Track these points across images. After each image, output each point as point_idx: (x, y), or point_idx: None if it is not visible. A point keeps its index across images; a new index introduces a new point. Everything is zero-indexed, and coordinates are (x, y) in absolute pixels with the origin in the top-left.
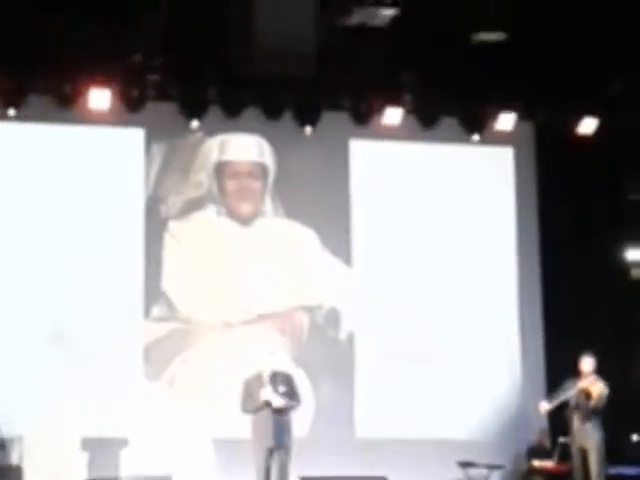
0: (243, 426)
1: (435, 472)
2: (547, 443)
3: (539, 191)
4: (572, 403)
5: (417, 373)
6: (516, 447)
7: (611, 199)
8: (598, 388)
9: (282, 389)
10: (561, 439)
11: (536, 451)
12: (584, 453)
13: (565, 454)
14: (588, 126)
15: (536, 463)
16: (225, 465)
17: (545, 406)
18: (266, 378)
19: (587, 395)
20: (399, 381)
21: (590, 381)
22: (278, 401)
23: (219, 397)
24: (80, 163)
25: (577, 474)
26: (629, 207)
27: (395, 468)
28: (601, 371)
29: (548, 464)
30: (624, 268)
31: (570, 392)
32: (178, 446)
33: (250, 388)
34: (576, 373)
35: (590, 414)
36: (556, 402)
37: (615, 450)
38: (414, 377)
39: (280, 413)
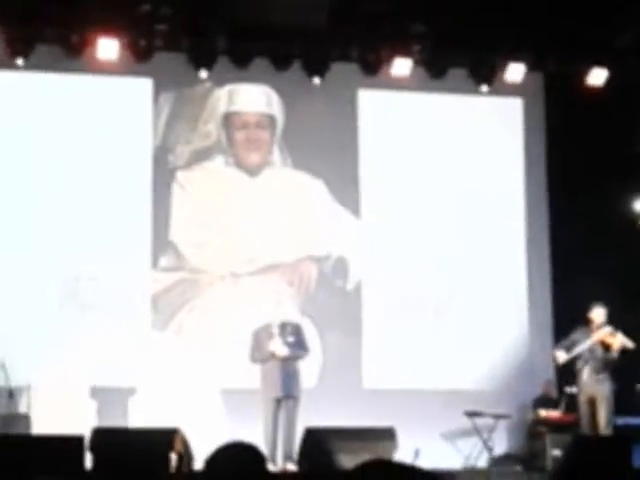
0: (251, 376)
1: (442, 422)
2: (553, 393)
3: (548, 142)
4: (585, 354)
5: (424, 323)
6: (522, 397)
7: (620, 150)
8: (620, 340)
9: (291, 339)
10: (567, 389)
11: (542, 401)
12: (593, 403)
13: (571, 404)
14: (598, 77)
15: (542, 413)
16: (233, 415)
17: (563, 356)
18: (275, 328)
19: (607, 346)
20: (407, 331)
21: (609, 332)
22: (286, 351)
23: (227, 347)
24: (88, 113)
25: (585, 424)
26: (638, 158)
27: (402, 418)
28: (610, 322)
29: (554, 414)
30: (632, 219)
31: (586, 343)
32: (186, 396)
33: (259, 338)
34: (586, 323)
35: (603, 365)
36: (574, 352)
37: (622, 401)
38: (422, 327)
39: (288, 363)
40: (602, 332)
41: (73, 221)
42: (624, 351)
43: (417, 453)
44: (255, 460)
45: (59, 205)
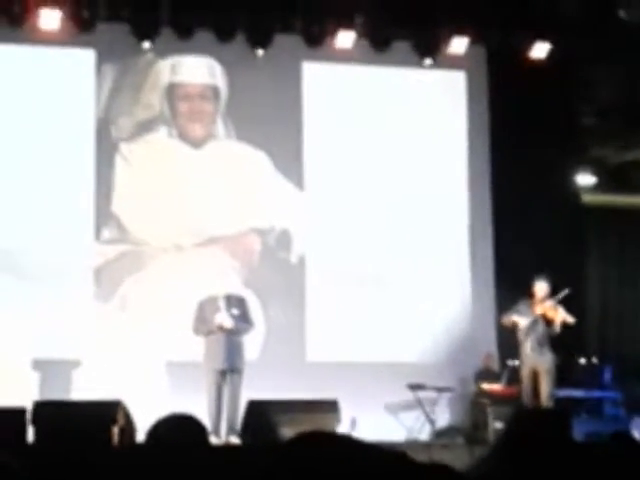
0: (195, 349)
1: (385, 395)
2: (495, 366)
3: (491, 116)
4: (528, 327)
5: (368, 296)
6: (465, 370)
7: (563, 124)
8: (561, 315)
9: (236, 312)
10: (510, 362)
11: (484, 374)
12: (535, 376)
13: (513, 377)
14: (541, 50)
15: (484, 386)
16: (177, 388)
17: (524, 321)
18: (220, 301)
19: (549, 321)
20: (350, 304)
21: (551, 307)
22: (231, 324)
23: (171, 320)
24: (30, 83)
25: (527, 396)
26: (581, 132)
27: (345, 391)
28: (551, 295)
29: (496, 387)
30: (575, 193)
31: (528, 316)
32: (129, 368)
33: (203, 310)
34: (528, 296)
35: (545, 338)
36: (518, 318)
37: (563, 373)
38: (365, 300)
39: (232, 336)
40: (544, 306)
41: (16, 193)
42: (565, 325)
43: (353, 422)
44: (196, 431)
45: (0, 176)
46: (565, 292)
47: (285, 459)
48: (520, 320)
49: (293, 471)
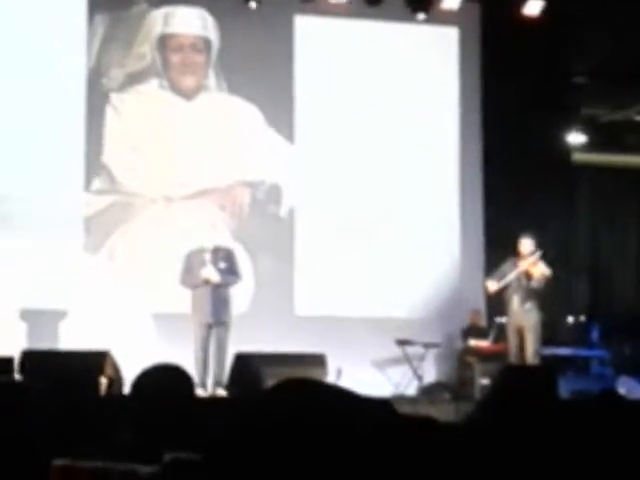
0: (182, 301)
1: (373, 349)
2: (482, 323)
3: (483, 73)
4: (513, 284)
5: (357, 251)
6: (452, 327)
7: (555, 82)
8: (540, 269)
9: (222, 265)
10: (497, 319)
11: (472, 331)
12: (521, 333)
13: (500, 334)
14: (534, 7)
15: (472, 342)
16: (164, 339)
17: (493, 286)
18: (207, 254)
19: (528, 276)
20: (339, 259)
21: (531, 262)
22: (217, 277)
23: (159, 271)
24: (21, 32)
25: (513, 353)
26: (572, 90)
27: (334, 345)
28: (540, 254)
29: (483, 344)
30: (566, 152)
31: (513, 273)
32: (117, 319)
33: (190, 263)
34: (515, 254)
35: (530, 295)
36: (503, 282)
37: (550, 331)
38: (354, 255)
39: (219, 289)
40: (526, 262)
41: (5, 141)
42: (549, 281)
43: (339, 373)
44: (181, 381)
45: None
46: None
47: (268, 405)
48: (490, 283)
49: (276, 416)
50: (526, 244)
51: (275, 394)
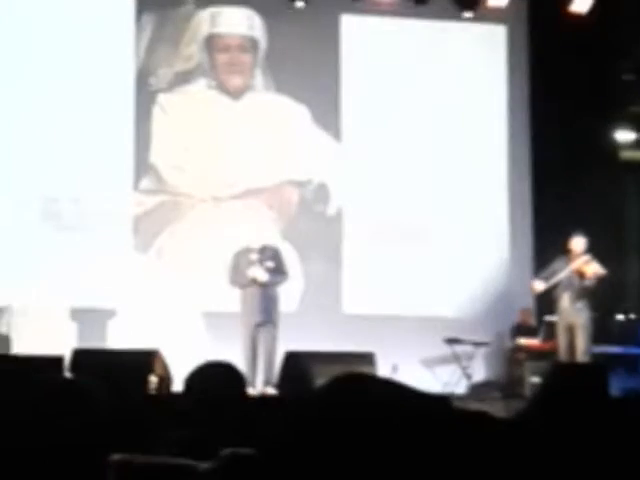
0: (231, 300)
1: (421, 348)
2: (531, 321)
3: (531, 70)
4: (564, 282)
5: (405, 250)
6: (501, 325)
7: (603, 79)
8: (593, 268)
9: (270, 264)
10: (546, 318)
11: (521, 329)
12: (571, 331)
13: (550, 333)
14: (582, 4)
15: (521, 341)
16: (213, 338)
17: (540, 286)
18: (254, 254)
19: (581, 275)
20: (387, 258)
21: (584, 261)
22: (266, 277)
23: (207, 270)
24: (69, 32)
25: (563, 352)
26: (620, 88)
27: (382, 344)
28: (591, 250)
29: (533, 342)
30: (614, 149)
31: (564, 272)
32: (166, 318)
33: (237, 262)
34: (565, 252)
35: (581, 293)
36: (551, 282)
37: (600, 330)
38: (402, 254)
39: (267, 289)
40: (579, 261)
41: (56, 142)
42: (600, 278)
43: (395, 368)
44: (233, 378)
45: (42, 126)
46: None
47: (323, 401)
48: (536, 285)
49: (331, 412)
50: (579, 242)
51: (329, 389)
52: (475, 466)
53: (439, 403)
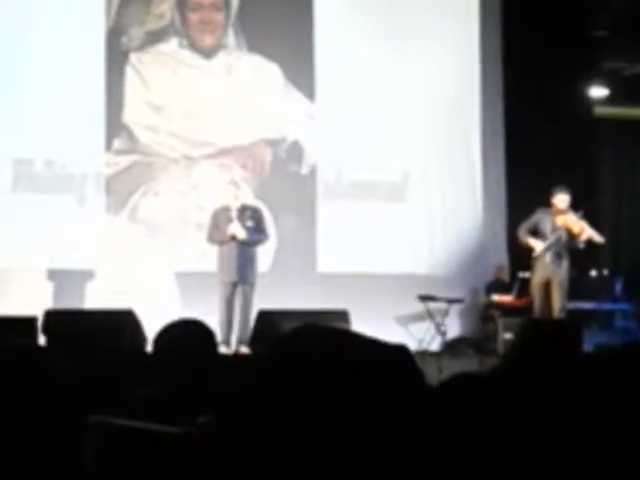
0: (205, 259)
1: (396, 306)
2: (506, 278)
3: (503, 26)
4: (549, 237)
5: (379, 208)
6: (475, 282)
7: (576, 35)
8: (588, 233)
9: (250, 224)
10: (520, 274)
11: (495, 286)
12: (548, 286)
13: (524, 289)
14: None
15: (495, 297)
16: (187, 298)
17: (540, 246)
18: (234, 212)
19: (573, 235)
20: (360, 216)
21: (574, 220)
22: (244, 234)
23: (180, 230)
24: None
25: (538, 307)
26: (594, 44)
27: (356, 302)
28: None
29: (507, 298)
30: (587, 105)
31: (558, 232)
32: (141, 279)
33: (217, 219)
34: (547, 206)
35: (565, 251)
36: (547, 243)
37: (574, 286)
38: (376, 212)
39: (245, 248)
40: (567, 219)
41: (26, 103)
42: (591, 243)
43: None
44: (203, 335)
45: (12, 87)
46: (581, 212)
47: (277, 354)
48: (537, 244)
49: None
50: (564, 199)
51: (283, 342)
52: (433, 419)
53: (396, 350)
